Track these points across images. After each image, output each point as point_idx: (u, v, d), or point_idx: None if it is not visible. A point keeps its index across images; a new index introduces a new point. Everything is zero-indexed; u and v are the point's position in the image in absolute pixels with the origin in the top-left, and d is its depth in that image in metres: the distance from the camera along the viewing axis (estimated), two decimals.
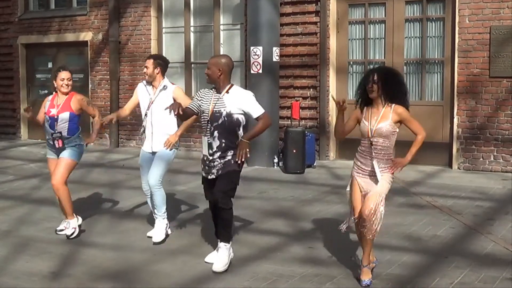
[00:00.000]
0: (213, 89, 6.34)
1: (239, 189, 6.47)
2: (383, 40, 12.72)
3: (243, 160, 6.14)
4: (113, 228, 7.86)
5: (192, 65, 14.72)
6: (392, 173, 5.84)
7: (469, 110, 11.82)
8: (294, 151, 11.80)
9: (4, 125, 17.38)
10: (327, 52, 12.88)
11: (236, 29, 14.23)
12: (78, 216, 7.59)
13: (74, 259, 6.58)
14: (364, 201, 5.75)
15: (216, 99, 6.23)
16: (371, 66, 12.70)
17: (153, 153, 7.30)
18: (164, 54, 14.98)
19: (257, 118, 6.20)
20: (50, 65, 16.69)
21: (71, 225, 7.46)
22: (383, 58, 12.69)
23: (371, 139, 5.75)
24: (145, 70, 7.34)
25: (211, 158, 6.25)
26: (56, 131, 7.40)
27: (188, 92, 14.57)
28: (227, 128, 6.18)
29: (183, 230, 7.72)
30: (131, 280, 6.00)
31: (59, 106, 7.45)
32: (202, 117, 6.34)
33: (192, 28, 14.75)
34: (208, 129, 6.25)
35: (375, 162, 5.74)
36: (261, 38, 12.36)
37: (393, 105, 5.73)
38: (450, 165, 12.05)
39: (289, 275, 6.02)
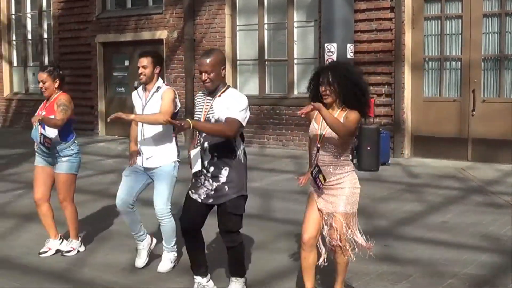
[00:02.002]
0: (205, 92, 5.39)
1: None
2: (460, 36, 12.48)
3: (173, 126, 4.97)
4: None
5: (266, 62, 14.77)
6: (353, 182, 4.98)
7: None
8: (368, 148, 11.71)
9: (82, 122, 17.78)
10: (402, 48, 12.73)
11: (310, 26, 14.20)
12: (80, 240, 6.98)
13: (152, 252, 6.70)
14: (329, 230, 4.92)
15: (209, 104, 5.29)
16: (447, 63, 12.52)
17: (146, 170, 6.24)
18: (238, 52, 15.15)
19: (226, 120, 5.13)
20: (126, 63, 17.02)
21: (73, 244, 6.86)
22: (459, 54, 12.45)
23: (318, 146, 4.96)
24: (141, 70, 6.17)
25: (203, 173, 5.28)
26: (41, 138, 6.53)
27: (262, 90, 14.64)
28: (217, 138, 5.20)
29: (256, 225, 7.76)
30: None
31: (46, 109, 6.70)
32: None
33: (266, 26, 14.79)
34: (198, 140, 5.34)
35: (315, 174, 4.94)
36: (335, 35, 12.29)
37: (348, 110, 4.90)
38: None
39: (364, 272, 5.98)
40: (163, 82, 6.31)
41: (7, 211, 8.78)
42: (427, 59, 12.83)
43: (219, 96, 5.24)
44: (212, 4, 15.23)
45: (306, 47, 14.28)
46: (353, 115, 4.83)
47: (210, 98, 5.27)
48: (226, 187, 5.22)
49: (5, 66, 20.02)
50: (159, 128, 6.08)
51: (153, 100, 6.16)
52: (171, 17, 16.00)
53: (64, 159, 6.64)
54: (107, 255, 6.79)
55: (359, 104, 4.88)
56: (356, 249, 4.96)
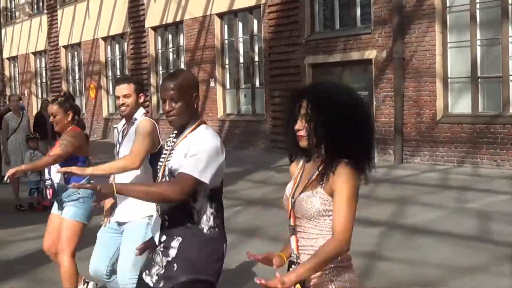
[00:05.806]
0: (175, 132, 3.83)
1: None
2: None
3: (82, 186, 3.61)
4: (405, 243, 7.90)
5: (479, 79, 14.30)
6: None
7: None
8: None
9: None
10: None
11: None
12: None
13: (370, 272, 6.72)
14: None
15: (171, 149, 3.76)
16: None
17: (119, 225, 4.99)
18: (449, 69, 14.80)
19: (176, 175, 3.57)
20: None
21: None
22: None
23: (291, 225, 3.17)
24: (122, 100, 4.94)
25: (158, 244, 3.76)
26: (47, 178, 5.71)
27: (475, 108, 14.18)
28: None
29: (474, 247, 7.54)
30: None
31: (52, 148, 5.69)
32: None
33: (478, 42, 14.34)
34: None
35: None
36: None
37: (338, 161, 3.04)
38: None
39: None
40: (143, 112, 5.02)
41: (227, 227, 9.16)
42: None
43: (185, 137, 3.70)
44: (422, 22, 15.02)
45: None
46: (346, 184, 2.99)
47: (175, 140, 3.76)
48: (175, 265, 3.64)
49: (219, 89, 21.05)
50: (133, 173, 4.56)
51: (128, 137, 4.92)
52: (380, 37, 15.98)
53: (70, 203, 5.56)
54: None
55: (354, 150, 3.07)
56: None
